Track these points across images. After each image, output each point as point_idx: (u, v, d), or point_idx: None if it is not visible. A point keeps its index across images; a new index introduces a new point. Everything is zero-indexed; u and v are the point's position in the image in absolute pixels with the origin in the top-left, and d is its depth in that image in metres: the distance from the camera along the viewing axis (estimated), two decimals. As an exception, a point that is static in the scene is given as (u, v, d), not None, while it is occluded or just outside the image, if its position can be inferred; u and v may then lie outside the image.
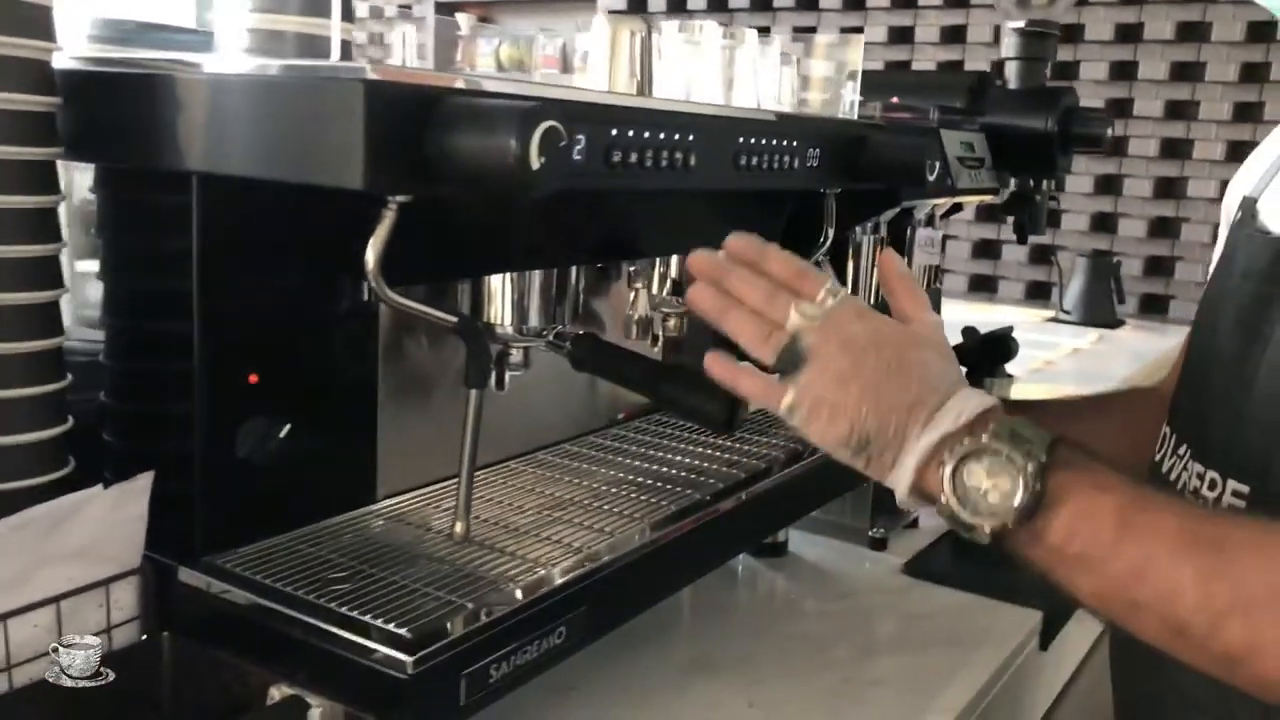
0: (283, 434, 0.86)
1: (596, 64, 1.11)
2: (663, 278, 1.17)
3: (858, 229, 1.44)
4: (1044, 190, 1.75)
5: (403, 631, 0.76)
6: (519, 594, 0.84)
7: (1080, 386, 2.13)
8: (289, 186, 0.73)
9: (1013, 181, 1.70)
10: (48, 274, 0.81)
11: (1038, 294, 3.51)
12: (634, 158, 0.85)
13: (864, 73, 1.30)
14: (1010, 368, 1.84)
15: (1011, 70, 1.76)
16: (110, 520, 0.80)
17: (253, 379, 0.85)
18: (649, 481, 1.10)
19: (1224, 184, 3.10)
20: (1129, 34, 3.27)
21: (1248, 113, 3.15)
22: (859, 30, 3.54)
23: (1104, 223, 3.40)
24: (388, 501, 1.00)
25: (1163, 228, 3.33)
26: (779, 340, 0.75)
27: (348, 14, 0.80)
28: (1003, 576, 1.24)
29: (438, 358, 1.04)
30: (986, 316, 2.39)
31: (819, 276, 0.78)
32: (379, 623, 0.77)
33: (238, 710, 0.80)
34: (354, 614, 0.78)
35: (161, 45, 0.89)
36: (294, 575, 0.83)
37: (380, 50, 1.41)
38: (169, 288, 0.82)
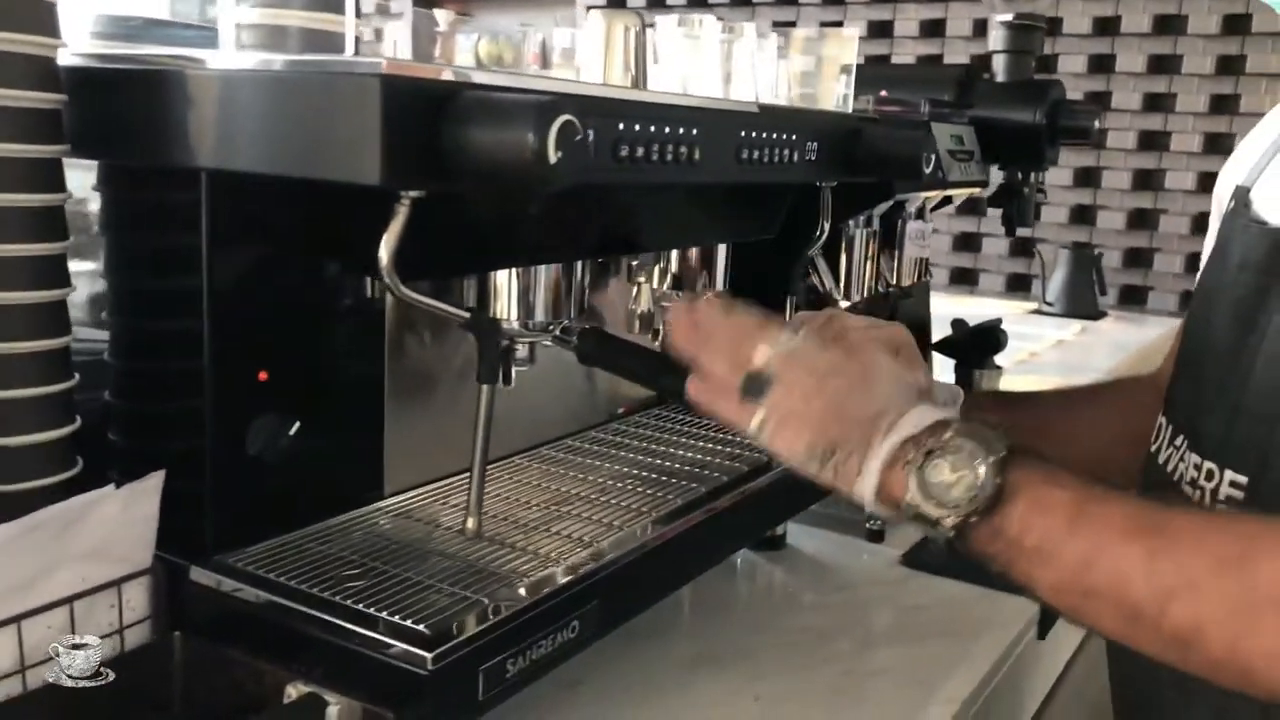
0: (292, 431, 0.86)
1: (590, 59, 1.11)
2: (664, 272, 1.17)
3: (850, 222, 1.45)
4: (1032, 183, 1.77)
5: (421, 627, 0.76)
6: (532, 589, 0.84)
7: (1065, 378, 2.14)
8: (297, 182, 0.73)
9: (1001, 174, 1.71)
10: (54, 272, 0.81)
11: (1018, 286, 3.54)
12: (640, 152, 0.85)
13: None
14: (997, 360, 1.85)
15: (999, 63, 1.77)
16: (122, 520, 0.80)
17: (262, 376, 0.85)
18: (653, 476, 1.11)
19: (1202, 175, 3.13)
20: (1106, 27, 3.30)
21: (1224, 105, 3.18)
22: (839, 24, 3.56)
23: (1083, 215, 3.43)
24: (395, 498, 0.99)
25: (1141, 219, 3.36)
26: (748, 370, 0.78)
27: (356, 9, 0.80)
28: (1000, 567, 1.25)
29: (441, 354, 1.04)
30: (971, 309, 2.40)
31: (784, 324, 0.82)
32: (396, 619, 0.77)
33: (250, 709, 0.79)
34: (371, 610, 0.78)
35: (166, 41, 0.89)
36: (307, 573, 0.83)
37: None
38: (177, 285, 0.82)
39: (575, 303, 1.04)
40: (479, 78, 0.74)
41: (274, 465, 0.86)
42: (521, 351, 1.00)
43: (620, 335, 1.06)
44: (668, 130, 0.87)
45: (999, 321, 1.80)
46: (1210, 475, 0.86)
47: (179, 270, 0.81)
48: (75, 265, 0.90)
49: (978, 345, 1.78)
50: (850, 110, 1.32)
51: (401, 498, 1.00)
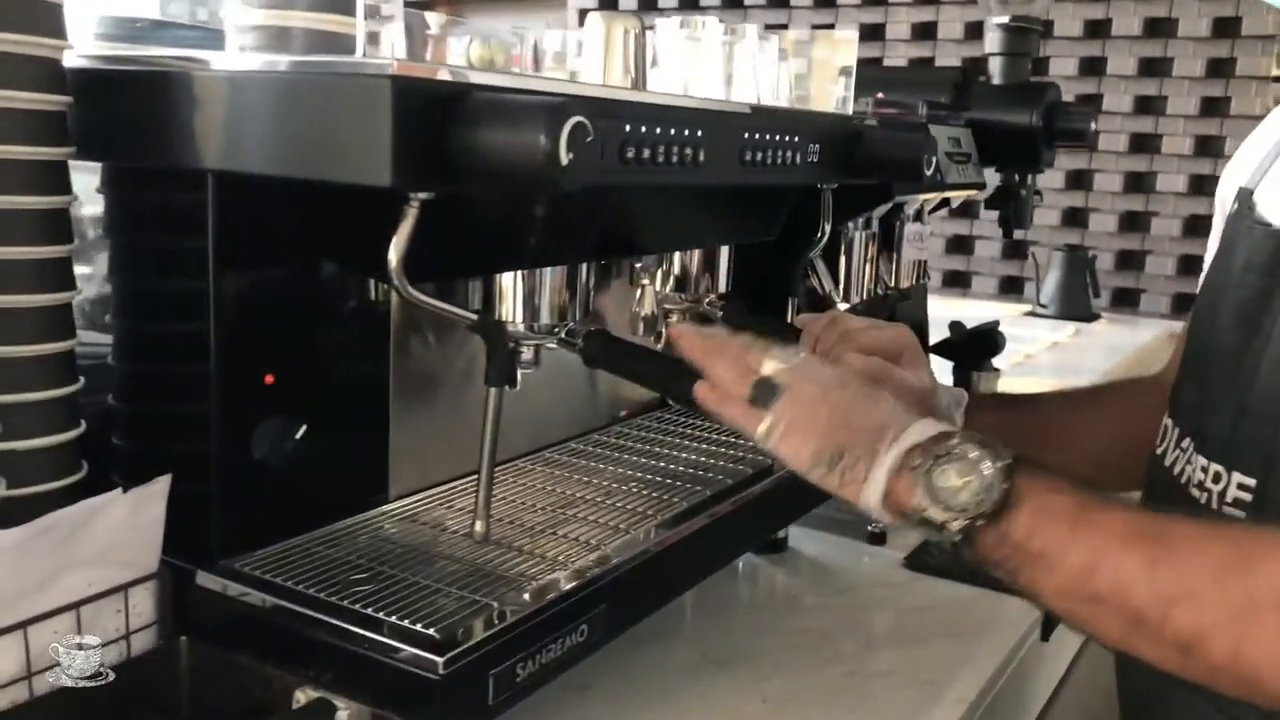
0: (299, 435, 0.85)
1: (589, 61, 1.11)
2: (667, 274, 1.17)
3: (850, 224, 1.45)
4: (1028, 185, 1.77)
5: (431, 632, 0.75)
6: (541, 593, 0.84)
7: (1061, 380, 2.15)
8: (304, 184, 0.72)
9: (998, 176, 1.71)
10: (60, 275, 0.80)
11: (1011, 289, 3.54)
12: (647, 153, 0.85)
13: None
14: (995, 362, 1.85)
15: (995, 66, 1.78)
16: (129, 524, 0.79)
17: (268, 379, 0.85)
18: (657, 479, 1.10)
19: (1193, 178, 3.13)
20: (1098, 30, 3.31)
21: (1214, 107, 3.19)
22: (830, 27, 3.56)
23: (1075, 217, 3.44)
24: (401, 501, 0.99)
25: (1132, 222, 3.37)
26: (755, 379, 0.80)
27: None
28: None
29: (446, 357, 1.04)
30: (965, 311, 2.41)
31: (787, 344, 0.86)
32: (406, 623, 0.76)
33: (258, 715, 0.79)
34: (380, 615, 0.78)
35: (172, 42, 0.88)
36: (314, 577, 0.83)
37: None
38: (183, 288, 0.81)
39: (580, 305, 1.04)
40: (490, 79, 0.74)
41: (280, 469, 0.85)
42: (526, 354, 1.00)
43: (625, 338, 1.06)
44: (673, 132, 0.87)
45: (997, 324, 1.81)
46: (1218, 478, 0.86)
47: (184, 273, 0.80)
48: (77, 268, 0.90)
49: (976, 348, 1.78)
50: (850, 112, 1.32)
51: (406, 501, 1.00)
